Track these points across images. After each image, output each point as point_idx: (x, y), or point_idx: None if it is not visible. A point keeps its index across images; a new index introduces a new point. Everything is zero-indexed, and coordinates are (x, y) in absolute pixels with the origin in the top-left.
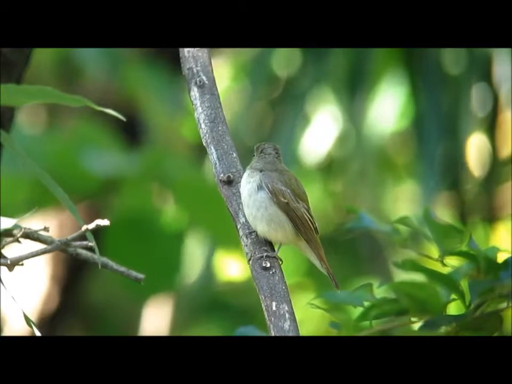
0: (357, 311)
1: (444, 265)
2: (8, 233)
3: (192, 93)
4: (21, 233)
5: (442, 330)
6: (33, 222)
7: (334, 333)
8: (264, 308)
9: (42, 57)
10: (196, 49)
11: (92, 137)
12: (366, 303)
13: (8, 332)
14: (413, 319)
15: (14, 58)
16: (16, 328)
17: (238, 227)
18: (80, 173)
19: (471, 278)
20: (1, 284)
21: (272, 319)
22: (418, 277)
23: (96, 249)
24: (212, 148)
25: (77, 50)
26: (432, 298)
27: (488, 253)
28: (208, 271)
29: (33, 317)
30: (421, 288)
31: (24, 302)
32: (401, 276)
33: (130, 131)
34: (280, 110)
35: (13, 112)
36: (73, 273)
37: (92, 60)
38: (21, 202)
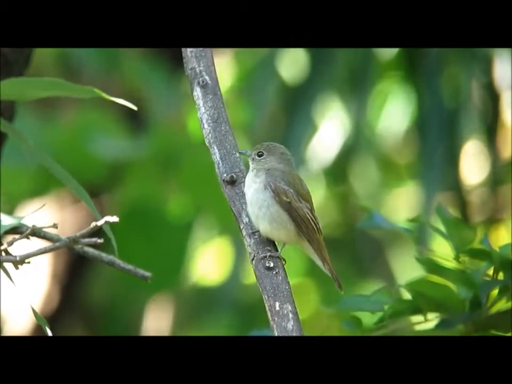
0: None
1: (459, 262)
2: (14, 230)
3: (195, 93)
4: (29, 230)
5: (457, 328)
6: (33, 214)
7: (337, 331)
8: (267, 308)
9: (42, 54)
10: (198, 49)
11: (97, 124)
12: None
13: (8, 331)
14: (428, 317)
15: (14, 58)
16: (16, 328)
17: (241, 227)
18: (88, 159)
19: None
20: (0, 284)
21: (276, 318)
22: (433, 276)
23: (115, 246)
24: (215, 147)
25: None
26: (448, 298)
27: (502, 251)
28: (236, 274)
29: (33, 316)
30: (437, 288)
31: (25, 301)
32: (405, 276)
33: (133, 124)
34: (288, 114)
35: (14, 105)
36: (74, 272)
37: (90, 56)
38: (23, 192)
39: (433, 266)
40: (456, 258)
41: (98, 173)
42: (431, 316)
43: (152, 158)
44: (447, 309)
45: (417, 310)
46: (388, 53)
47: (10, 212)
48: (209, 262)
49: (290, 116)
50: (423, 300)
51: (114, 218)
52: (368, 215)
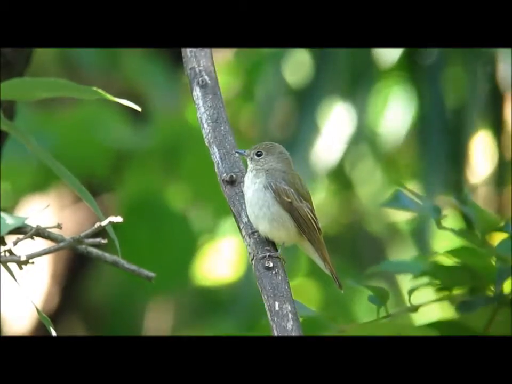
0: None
1: (483, 244)
2: (17, 229)
3: (194, 93)
4: (33, 230)
5: (480, 309)
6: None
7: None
8: (267, 308)
9: (43, 53)
10: (198, 49)
11: (100, 114)
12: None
13: (8, 331)
14: (453, 293)
15: (14, 58)
16: (16, 328)
17: (241, 227)
18: (91, 149)
19: None
20: (0, 284)
21: (275, 319)
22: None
23: (118, 247)
24: (215, 147)
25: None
26: (485, 269)
27: None
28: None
29: (33, 316)
30: (477, 256)
31: (25, 301)
32: (405, 276)
33: (134, 116)
34: (292, 116)
35: (15, 103)
36: (74, 272)
37: (90, 53)
38: (24, 188)
39: (472, 238)
40: (481, 239)
41: (101, 162)
42: (456, 291)
43: (155, 148)
44: (482, 281)
45: (446, 286)
46: (390, 55)
47: (11, 208)
48: (216, 260)
49: (295, 119)
50: (460, 269)
51: (118, 219)
52: (393, 195)
